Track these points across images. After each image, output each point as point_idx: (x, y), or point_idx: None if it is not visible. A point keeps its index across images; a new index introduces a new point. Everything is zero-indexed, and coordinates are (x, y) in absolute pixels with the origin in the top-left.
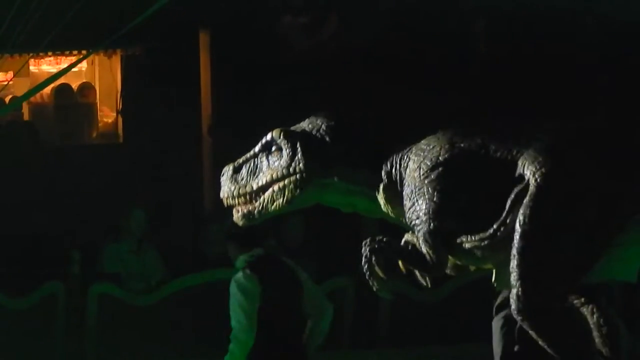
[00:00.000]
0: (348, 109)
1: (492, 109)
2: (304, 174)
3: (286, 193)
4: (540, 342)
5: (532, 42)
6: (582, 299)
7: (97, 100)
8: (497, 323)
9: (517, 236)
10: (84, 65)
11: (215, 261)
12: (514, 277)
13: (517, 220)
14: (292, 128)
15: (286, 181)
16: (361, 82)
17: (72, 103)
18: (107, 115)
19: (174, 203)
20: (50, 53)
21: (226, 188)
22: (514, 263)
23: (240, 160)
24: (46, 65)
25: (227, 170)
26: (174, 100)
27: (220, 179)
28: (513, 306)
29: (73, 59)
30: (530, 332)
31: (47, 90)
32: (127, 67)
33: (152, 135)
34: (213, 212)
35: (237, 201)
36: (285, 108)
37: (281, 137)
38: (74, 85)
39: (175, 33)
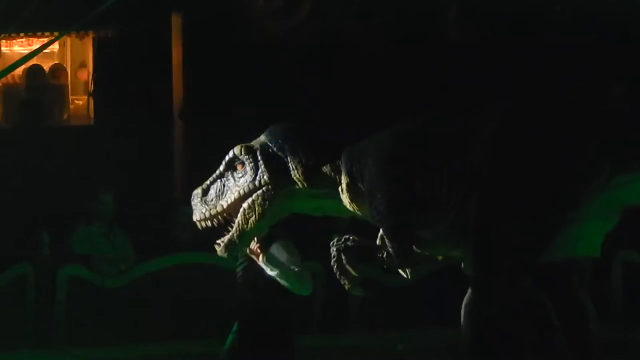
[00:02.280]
0: (304, 113)
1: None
2: (269, 186)
3: (256, 208)
4: (504, 325)
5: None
6: (552, 281)
7: (69, 82)
8: (466, 308)
9: (472, 223)
10: (55, 46)
11: (185, 244)
12: (472, 262)
13: (471, 208)
14: (253, 142)
15: (254, 196)
16: (324, 72)
17: (44, 84)
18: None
19: (145, 185)
20: (22, 34)
21: (197, 211)
22: (470, 249)
23: (208, 182)
24: (18, 47)
25: (197, 194)
26: (145, 82)
27: (191, 162)
28: (474, 290)
29: (45, 40)
30: (493, 314)
31: (19, 71)
32: (99, 49)
33: (123, 118)
34: (184, 195)
35: (209, 223)
36: (255, 91)
37: (242, 152)
38: (46, 67)
39: (147, 15)
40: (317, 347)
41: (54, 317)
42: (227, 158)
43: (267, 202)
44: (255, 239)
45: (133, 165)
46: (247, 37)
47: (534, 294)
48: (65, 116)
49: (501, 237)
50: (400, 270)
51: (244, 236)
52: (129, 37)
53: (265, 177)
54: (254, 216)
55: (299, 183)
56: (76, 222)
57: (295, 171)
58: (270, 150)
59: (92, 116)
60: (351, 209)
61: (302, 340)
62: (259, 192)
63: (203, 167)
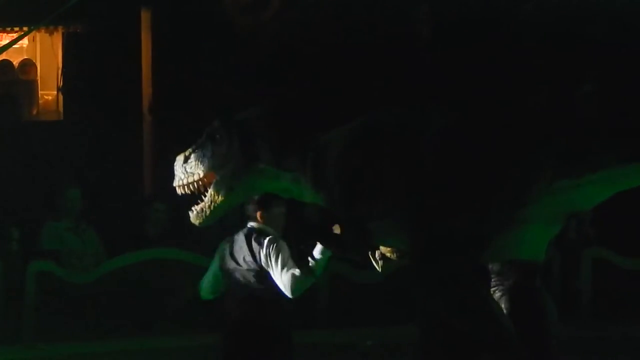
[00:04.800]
0: (277, 97)
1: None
2: (239, 161)
3: (227, 181)
4: (453, 323)
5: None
6: (513, 281)
7: (38, 77)
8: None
9: (414, 219)
10: (25, 42)
11: (155, 240)
12: (409, 253)
13: (414, 205)
14: (234, 118)
15: (225, 169)
16: (295, 67)
17: (13, 79)
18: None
19: (115, 181)
20: None
21: (177, 177)
22: (409, 240)
23: (190, 149)
24: None
25: (179, 160)
26: (114, 78)
27: (161, 159)
28: (416, 286)
29: (14, 35)
30: (439, 313)
31: None
32: (69, 44)
33: (93, 113)
34: (154, 191)
35: (186, 190)
36: (225, 87)
37: (221, 126)
38: (15, 62)
39: (116, 11)
40: None
41: (23, 313)
42: (208, 129)
43: (236, 177)
44: None
45: (102, 160)
46: (217, 32)
47: (479, 292)
48: (35, 111)
49: (441, 235)
50: (374, 261)
51: (216, 208)
52: (99, 32)
53: (236, 152)
54: (224, 189)
55: (265, 163)
56: (45, 217)
57: (264, 151)
58: (245, 127)
59: (62, 111)
60: (312, 196)
61: None
62: (230, 165)
63: (172, 162)
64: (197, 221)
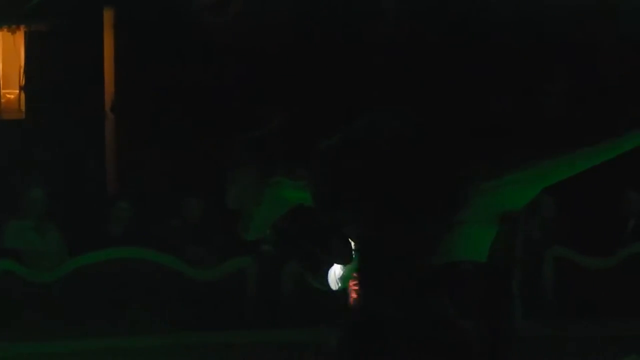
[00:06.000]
0: (237, 107)
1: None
2: (260, 173)
3: (252, 194)
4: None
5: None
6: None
7: (0, 76)
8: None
9: (358, 227)
10: None
11: (118, 239)
12: (359, 267)
13: (358, 211)
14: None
15: (255, 177)
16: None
17: None
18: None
19: (78, 180)
20: None
21: (230, 195)
22: (355, 247)
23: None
24: None
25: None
26: (77, 76)
27: (123, 158)
28: (361, 289)
29: None
30: (387, 316)
31: None
32: (31, 43)
33: (55, 112)
34: (117, 189)
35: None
36: (188, 86)
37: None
38: None
39: (79, 10)
40: (249, 343)
41: None
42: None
43: (259, 189)
44: None
45: (65, 159)
46: (180, 31)
47: (431, 297)
48: None
49: (384, 236)
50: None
51: (254, 223)
52: (61, 31)
53: (252, 167)
54: (251, 202)
55: (280, 175)
56: (7, 216)
57: (278, 162)
58: (259, 140)
59: (24, 110)
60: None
61: (233, 336)
62: (252, 178)
63: (135, 161)
64: (244, 235)
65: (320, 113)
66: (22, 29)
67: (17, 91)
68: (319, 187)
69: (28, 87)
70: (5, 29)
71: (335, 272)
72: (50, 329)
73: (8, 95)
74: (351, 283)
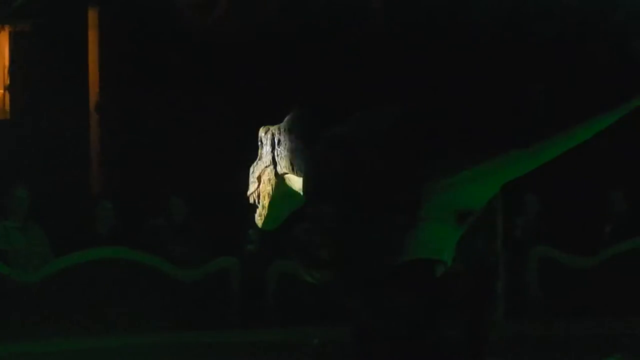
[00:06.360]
0: (222, 105)
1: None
2: (272, 168)
3: (265, 188)
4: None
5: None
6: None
7: None
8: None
9: (321, 222)
10: None
11: (103, 239)
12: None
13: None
14: (275, 126)
15: (268, 170)
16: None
17: None
18: None
19: (62, 180)
20: None
21: (249, 188)
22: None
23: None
24: None
25: (251, 172)
26: (62, 76)
27: (108, 157)
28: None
29: None
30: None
31: None
32: (16, 43)
33: (40, 112)
34: (101, 189)
35: (251, 199)
36: (173, 84)
37: (262, 133)
38: None
39: (64, 10)
40: (234, 342)
41: None
42: (258, 137)
43: (272, 184)
44: None
45: (50, 159)
46: (165, 30)
47: (397, 293)
48: None
49: (352, 235)
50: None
51: (267, 215)
52: (46, 30)
53: (269, 159)
54: (269, 189)
55: (295, 172)
56: None
57: (285, 159)
58: (277, 135)
59: (8, 110)
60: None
61: (218, 336)
62: (269, 168)
63: (120, 161)
64: (261, 226)
65: (319, 111)
66: (7, 29)
67: (2, 91)
68: (308, 181)
69: (12, 87)
70: None
71: None
72: (35, 329)
73: None
74: None
